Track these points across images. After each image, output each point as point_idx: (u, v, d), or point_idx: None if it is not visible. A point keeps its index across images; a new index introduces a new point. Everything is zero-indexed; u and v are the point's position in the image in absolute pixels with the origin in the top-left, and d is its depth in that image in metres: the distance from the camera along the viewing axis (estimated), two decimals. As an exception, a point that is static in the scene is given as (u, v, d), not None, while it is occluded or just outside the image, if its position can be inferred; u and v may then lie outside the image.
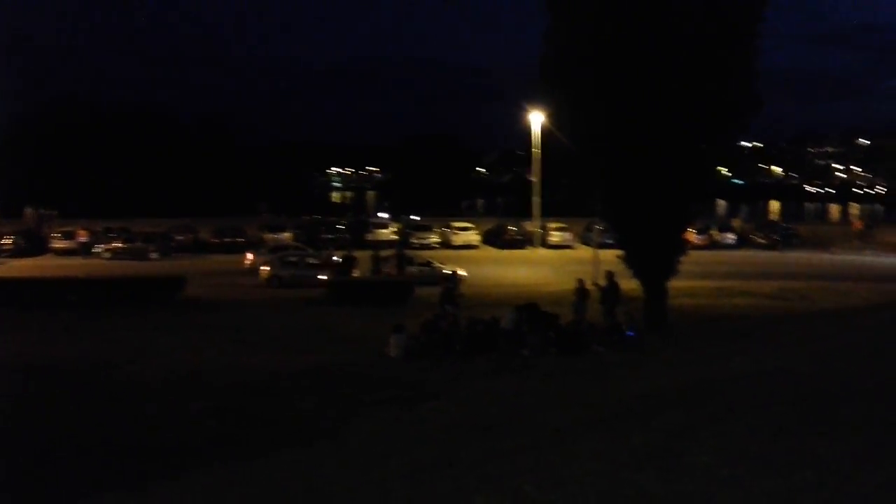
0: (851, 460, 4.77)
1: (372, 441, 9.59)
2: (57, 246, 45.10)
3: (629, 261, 23.42)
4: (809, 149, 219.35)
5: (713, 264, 42.27)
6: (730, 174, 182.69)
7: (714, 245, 50.98)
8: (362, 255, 36.38)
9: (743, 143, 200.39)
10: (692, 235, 48.73)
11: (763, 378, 9.92)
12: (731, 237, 52.52)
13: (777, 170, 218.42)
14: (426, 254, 40.36)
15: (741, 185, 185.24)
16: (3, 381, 16.16)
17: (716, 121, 21.34)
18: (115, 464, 10.11)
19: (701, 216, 29.46)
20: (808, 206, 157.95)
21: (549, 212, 52.47)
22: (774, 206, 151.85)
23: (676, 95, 20.63)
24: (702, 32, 20.44)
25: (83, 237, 45.95)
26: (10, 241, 44.28)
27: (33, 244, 45.11)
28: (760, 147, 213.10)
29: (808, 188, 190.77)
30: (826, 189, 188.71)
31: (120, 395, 14.98)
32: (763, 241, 52.26)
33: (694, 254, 44.51)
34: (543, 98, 26.78)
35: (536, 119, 45.46)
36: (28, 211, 52.72)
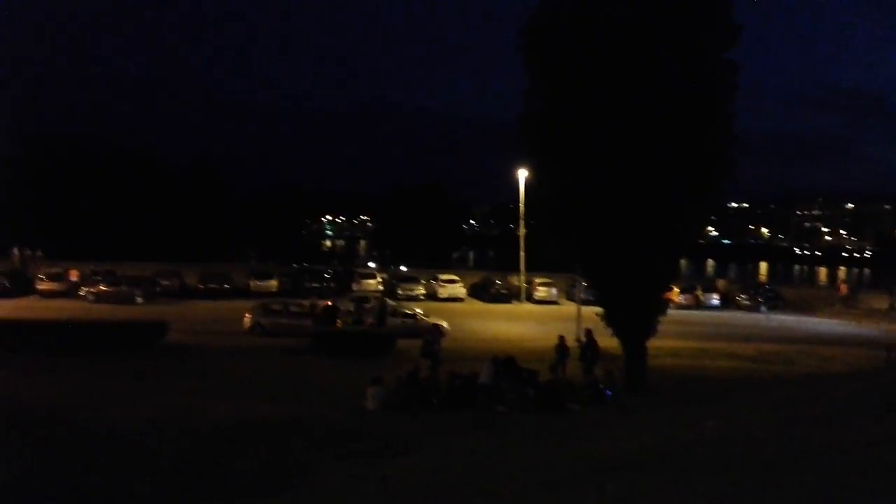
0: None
1: (329, 496, 9.56)
2: (42, 287, 44.90)
3: (609, 319, 23.58)
4: (797, 211, 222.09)
5: (697, 325, 42.53)
6: (718, 234, 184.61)
7: (699, 305, 51.24)
8: (346, 306, 36.40)
9: (731, 203, 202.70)
10: (676, 295, 49.10)
11: (727, 442, 9.98)
12: (715, 298, 52.80)
13: (765, 231, 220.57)
14: (411, 305, 40.40)
15: (729, 244, 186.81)
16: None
17: (692, 182, 21.74)
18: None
19: (688, 276, 29.83)
20: (797, 268, 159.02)
21: (537, 266, 52.74)
22: (763, 267, 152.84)
23: (653, 156, 21.08)
24: (678, 99, 20.97)
25: (75, 278, 46.02)
26: (-6, 282, 44.10)
27: (18, 285, 44.92)
28: (748, 208, 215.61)
29: (796, 250, 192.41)
30: (814, 252, 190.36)
31: (81, 443, 14.82)
32: (747, 302, 52.52)
33: (678, 314, 44.94)
34: (523, 154, 27.28)
35: (522, 174, 45.97)
36: (14, 251, 52.61)
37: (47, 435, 15.52)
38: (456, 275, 54.68)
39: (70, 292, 44.31)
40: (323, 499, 9.60)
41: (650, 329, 23.41)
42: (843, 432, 9.04)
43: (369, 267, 62.71)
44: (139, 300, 42.71)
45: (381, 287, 49.36)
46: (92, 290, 43.46)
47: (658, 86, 20.89)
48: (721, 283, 60.36)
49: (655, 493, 6.70)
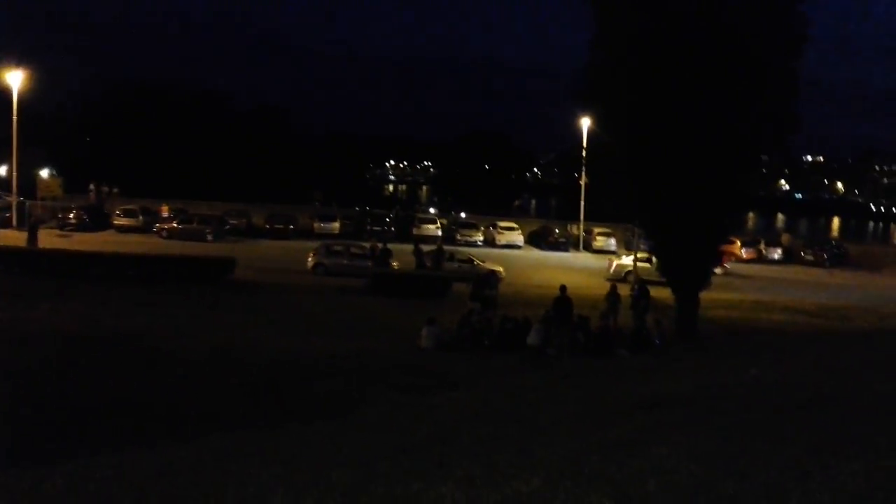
0: (786, 464, 5.41)
1: (380, 420, 10.40)
2: (119, 223, 47.19)
3: (662, 268, 23.82)
4: (876, 166, 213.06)
5: (756, 279, 42.26)
6: (790, 188, 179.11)
7: (761, 259, 50.61)
8: (406, 249, 37.31)
9: (806, 157, 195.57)
10: (738, 249, 48.55)
11: (759, 388, 10.43)
12: (777, 252, 51.98)
13: (840, 186, 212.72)
14: (469, 251, 41.14)
15: (802, 199, 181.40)
16: (50, 347, 17.34)
17: (755, 136, 21.60)
18: (135, 425, 11.24)
19: (757, 230, 29.66)
20: (872, 225, 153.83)
21: (598, 216, 52.69)
22: (836, 223, 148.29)
23: (715, 108, 20.97)
24: (744, 50, 20.70)
25: (165, 213, 49.54)
26: (74, 216, 46.56)
27: (96, 220, 47.29)
28: (823, 161, 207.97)
29: (872, 207, 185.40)
30: (891, 209, 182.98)
31: (156, 366, 16.12)
32: (810, 258, 51.55)
33: (739, 267, 44.51)
34: (587, 103, 27.30)
35: (586, 122, 45.68)
36: (92, 188, 55.19)
37: (127, 358, 16.87)
38: (515, 222, 55.07)
39: (144, 228, 46.47)
40: (374, 424, 10.45)
41: (703, 279, 23.54)
42: (869, 384, 9.40)
43: (430, 212, 63.52)
44: (209, 237, 44.50)
45: (440, 232, 50.14)
46: (165, 226, 45.50)
47: (724, 36, 20.63)
48: (785, 237, 59.22)
49: (682, 427, 7.26)
